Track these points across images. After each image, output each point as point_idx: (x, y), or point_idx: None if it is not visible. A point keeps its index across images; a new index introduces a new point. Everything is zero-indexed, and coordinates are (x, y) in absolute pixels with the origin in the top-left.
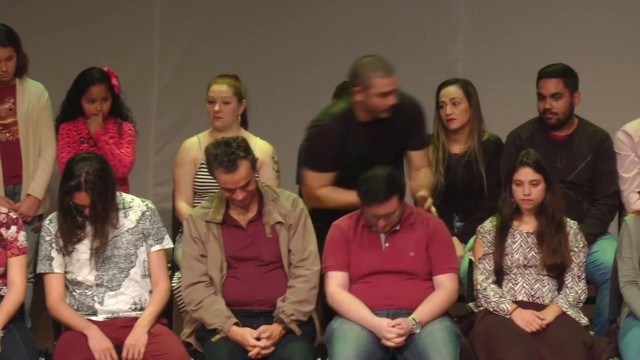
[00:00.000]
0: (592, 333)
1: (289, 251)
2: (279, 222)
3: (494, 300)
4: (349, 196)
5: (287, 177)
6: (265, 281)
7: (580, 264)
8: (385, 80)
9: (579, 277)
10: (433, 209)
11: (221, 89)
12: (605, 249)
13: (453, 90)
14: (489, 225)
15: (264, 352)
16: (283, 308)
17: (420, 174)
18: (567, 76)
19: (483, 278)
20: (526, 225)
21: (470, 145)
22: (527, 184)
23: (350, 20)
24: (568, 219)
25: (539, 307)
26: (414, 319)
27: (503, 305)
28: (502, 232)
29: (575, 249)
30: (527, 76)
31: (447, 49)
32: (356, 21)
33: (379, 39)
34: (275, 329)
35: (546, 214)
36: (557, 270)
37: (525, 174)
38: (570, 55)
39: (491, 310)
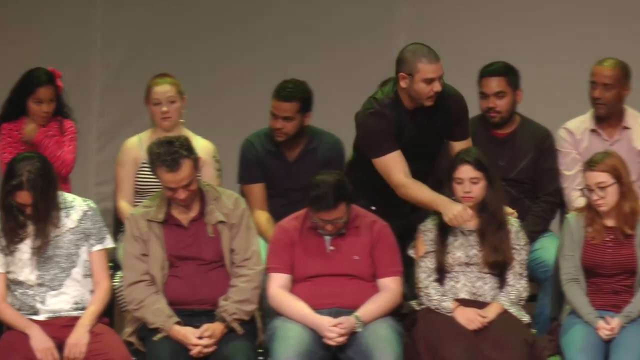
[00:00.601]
0: (534, 331)
1: (232, 250)
2: (220, 222)
3: (435, 298)
4: (426, 193)
5: (229, 176)
6: (206, 280)
7: (522, 262)
8: (431, 66)
9: (520, 274)
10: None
11: (165, 89)
12: (547, 247)
13: None
14: (430, 223)
15: (205, 350)
16: (225, 307)
17: None
18: (509, 74)
19: (425, 276)
20: (467, 223)
21: None
22: (468, 182)
23: (290, 19)
24: (510, 217)
25: (480, 305)
26: (356, 317)
27: (445, 304)
28: (443, 231)
29: (517, 247)
30: (469, 74)
31: (389, 47)
32: (297, 20)
33: (319, 37)
34: (217, 328)
35: (487, 211)
36: (498, 268)
37: (466, 171)
38: (511, 53)
39: (433, 308)
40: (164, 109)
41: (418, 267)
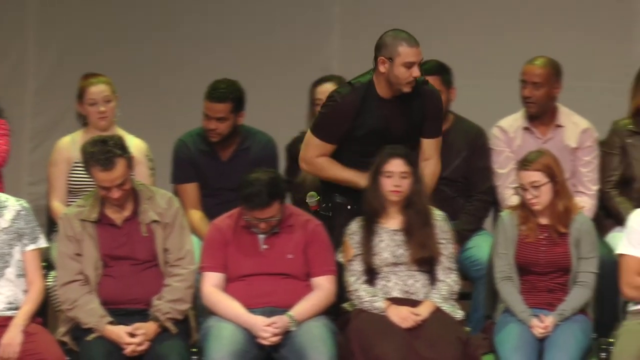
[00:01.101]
0: (468, 329)
1: (165, 250)
2: (154, 221)
3: (366, 300)
4: (345, 174)
5: (162, 176)
6: (140, 280)
7: (450, 256)
8: (411, 49)
9: (449, 269)
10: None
11: (100, 89)
12: (481, 245)
13: (330, 87)
14: (355, 225)
15: (139, 349)
16: (159, 306)
17: (426, 167)
18: (443, 73)
19: (354, 279)
20: (392, 222)
21: None
22: (397, 176)
23: (223, 18)
24: (435, 210)
25: (413, 303)
26: (290, 317)
27: (376, 304)
28: (368, 232)
29: (443, 241)
30: None
31: (322, 46)
32: (229, 18)
33: (253, 34)
34: (150, 327)
35: (413, 208)
36: (427, 265)
37: (397, 165)
38: (445, 51)
39: (365, 309)
40: (102, 108)
41: (347, 270)
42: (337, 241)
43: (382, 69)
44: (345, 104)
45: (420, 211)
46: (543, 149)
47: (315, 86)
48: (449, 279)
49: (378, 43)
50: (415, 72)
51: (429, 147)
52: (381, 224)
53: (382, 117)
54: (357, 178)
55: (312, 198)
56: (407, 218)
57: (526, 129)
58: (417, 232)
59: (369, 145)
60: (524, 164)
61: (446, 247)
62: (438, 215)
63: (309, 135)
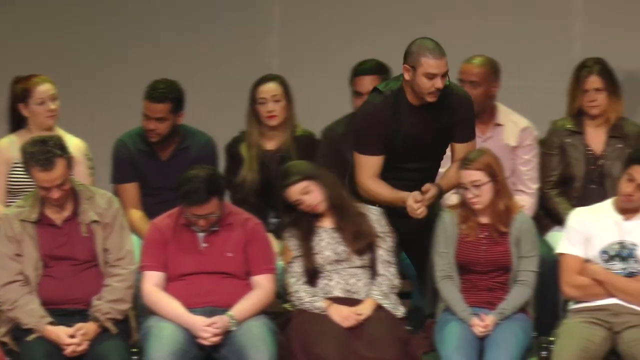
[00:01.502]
0: (408, 328)
1: (105, 250)
2: (94, 221)
3: (307, 300)
4: (386, 194)
5: (101, 176)
6: (80, 280)
7: (388, 249)
8: (433, 61)
9: (388, 262)
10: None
11: (47, 87)
12: None
13: (273, 87)
14: (293, 228)
15: (79, 349)
16: (99, 306)
17: (451, 169)
18: (382, 72)
19: (294, 281)
20: (327, 222)
21: (284, 142)
22: (298, 196)
23: (162, 17)
24: (369, 206)
25: (355, 302)
26: (230, 316)
27: (317, 304)
28: (307, 233)
29: (382, 234)
30: (343, 72)
31: (262, 45)
32: (168, 17)
33: (193, 33)
34: (90, 327)
35: (336, 208)
36: (368, 256)
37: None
38: (384, 50)
39: (306, 309)
40: (52, 106)
41: (287, 272)
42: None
43: (407, 76)
44: (378, 112)
45: (343, 207)
46: (484, 147)
47: (257, 86)
48: (388, 273)
49: (406, 50)
50: (438, 83)
51: (461, 151)
52: (318, 224)
53: (414, 124)
54: (401, 196)
55: None
56: (337, 217)
57: None
58: (347, 225)
59: (401, 152)
60: (465, 163)
61: (384, 240)
62: (373, 209)
63: (355, 156)
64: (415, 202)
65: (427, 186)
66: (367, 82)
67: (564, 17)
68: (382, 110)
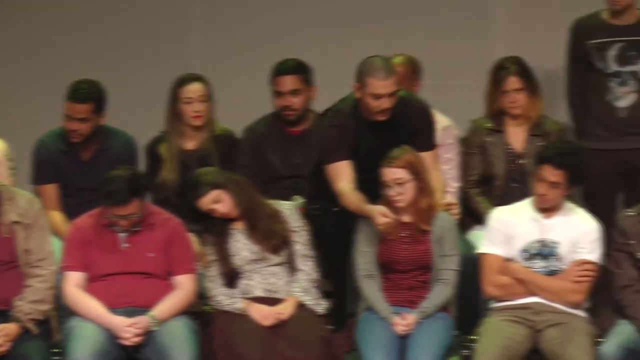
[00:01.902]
0: (330, 327)
1: (27, 251)
2: (15, 222)
3: (226, 303)
4: (353, 206)
5: (21, 177)
6: (1, 281)
7: (305, 243)
8: (379, 82)
9: (305, 256)
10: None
11: None
12: None
13: (199, 87)
14: (209, 232)
15: (1, 349)
16: (20, 307)
17: (432, 180)
18: (303, 71)
19: (213, 285)
20: (241, 223)
21: (204, 141)
22: (210, 204)
23: (82, 15)
24: (283, 202)
25: (276, 301)
26: (152, 316)
27: (237, 305)
28: (221, 236)
29: (297, 229)
30: (264, 72)
31: (182, 44)
32: (88, 16)
33: (113, 32)
34: (12, 328)
35: (248, 211)
36: (285, 252)
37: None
38: (308, 51)
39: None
40: None
41: (205, 277)
42: (327, 241)
43: (357, 94)
44: (341, 125)
45: (251, 210)
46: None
47: (181, 86)
48: (306, 267)
49: (357, 68)
50: (385, 103)
51: (427, 161)
52: (232, 226)
53: (370, 139)
54: (368, 210)
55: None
56: (248, 219)
57: None
58: (260, 226)
59: (362, 164)
60: (388, 160)
61: (300, 235)
62: (287, 205)
63: (327, 170)
64: (383, 217)
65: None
66: (288, 82)
67: (485, 17)
68: (346, 122)
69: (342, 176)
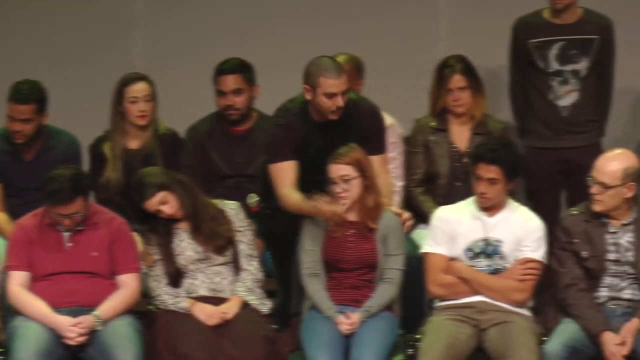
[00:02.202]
0: (275, 326)
1: None
2: None
3: (170, 302)
4: (301, 205)
5: None
6: None
7: (249, 243)
8: (332, 81)
9: (250, 255)
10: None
11: None
12: None
13: (145, 87)
14: (153, 232)
15: None
16: None
17: (379, 184)
18: (245, 71)
19: (157, 284)
20: (183, 224)
21: (148, 141)
22: (157, 206)
23: (22, 15)
24: (227, 201)
25: (221, 300)
26: (96, 316)
27: (181, 305)
28: (166, 236)
29: (241, 229)
30: (206, 70)
31: (125, 44)
32: (30, 15)
33: (54, 32)
34: None
35: (193, 212)
36: (230, 252)
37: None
38: (249, 49)
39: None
40: None
41: (149, 277)
42: (278, 239)
43: (307, 96)
44: (288, 125)
45: (194, 213)
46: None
47: (126, 85)
48: (251, 267)
49: (304, 70)
50: (339, 102)
51: (376, 164)
52: (176, 226)
53: (322, 140)
54: (314, 206)
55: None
56: (192, 220)
57: None
58: (204, 227)
59: (311, 165)
60: (335, 157)
61: (245, 235)
62: (231, 204)
63: (270, 170)
64: (329, 204)
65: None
66: (230, 81)
67: (428, 16)
68: (293, 123)
69: (285, 178)
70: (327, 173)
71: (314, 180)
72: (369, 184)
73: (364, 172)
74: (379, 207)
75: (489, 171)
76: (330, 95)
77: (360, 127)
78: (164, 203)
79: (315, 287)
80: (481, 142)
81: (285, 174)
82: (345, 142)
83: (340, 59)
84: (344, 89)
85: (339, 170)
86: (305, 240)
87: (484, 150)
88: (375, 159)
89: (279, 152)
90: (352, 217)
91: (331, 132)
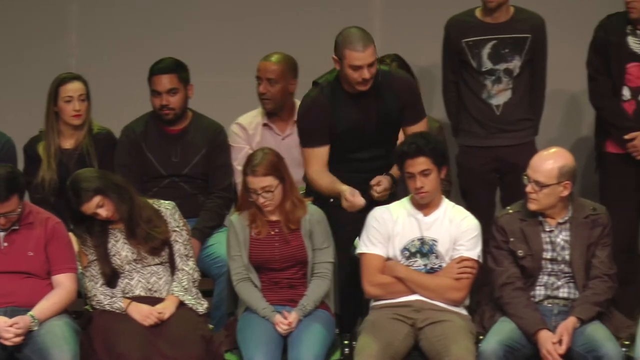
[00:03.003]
0: (211, 326)
1: None
2: None
3: (106, 303)
4: (324, 185)
5: None
6: None
7: (185, 242)
8: (356, 53)
9: (186, 255)
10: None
11: None
12: (221, 242)
13: (79, 86)
14: (90, 233)
15: None
16: None
17: None
18: (180, 70)
19: (92, 285)
20: (119, 225)
21: (82, 140)
22: (94, 209)
23: None
24: (162, 201)
25: (157, 300)
26: (32, 316)
27: (116, 305)
28: (101, 236)
29: (177, 229)
30: (141, 70)
31: (59, 43)
32: None
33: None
34: None
35: (128, 214)
36: (166, 251)
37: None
38: (182, 48)
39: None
40: None
41: (85, 277)
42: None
43: (337, 66)
44: (315, 104)
45: (136, 212)
46: (265, 148)
47: (61, 84)
48: (187, 267)
49: (335, 40)
50: (365, 74)
51: (417, 130)
52: (112, 226)
53: (355, 113)
54: (339, 188)
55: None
56: (127, 222)
57: (265, 125)
58: (137, 230)
59: (348, 141)
60: (252, 170)
61: (180, 234)
62: (167, 205)
63: (302, 152)
64: (352, 197)
65: (376, 179)
66: (165, 81)
67: (362, 15)
68: (319, 101)
69: (316, 162)
70: (366, 148)
71: (354, 159)
72: (287, 187)
73: (283, 177)
74: (299, 206)
75: (418, 164)
76: (356, 68)
77: (396, 98)
78: (101, 206)
79: (248, 292)
80: (399, 144)
81: (314, 159)
82: (382, 113)
83: (274, 58)
84: (370, 62)
85: (260, 182)
86: (230, 247)
87: (405, 148)
88: (417, 127)
89: (311, 138)
90: (273, 217)
91: (364, 102)
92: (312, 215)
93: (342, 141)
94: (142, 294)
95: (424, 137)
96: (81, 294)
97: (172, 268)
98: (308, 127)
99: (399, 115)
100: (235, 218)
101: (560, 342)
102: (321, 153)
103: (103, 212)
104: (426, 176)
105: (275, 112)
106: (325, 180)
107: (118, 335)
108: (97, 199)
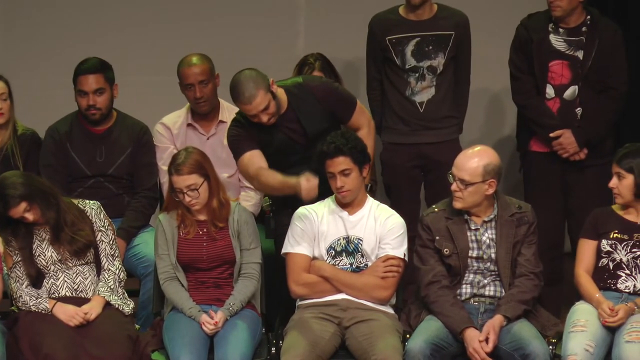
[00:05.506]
0: (137, 326)
1: None
2: None
3: (31, 304)
4: (275, 183)
5: None
6: None
7: (111, 242)
8: (246, 107)
9: (112, 255)
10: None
11: None
12: (147, 242)
13: (1, 86)
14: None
15: None
16: None
17: (364, 137)
18: (106, 70)
19: (17, 285)
20: (42, 226)
21: (6, 141)
22: (21, 213)
23: None
24: (87, 201)
25: (83, 300)
26: None
27: (42, 305)
28: (26, 237)
29: (102, 229)
30: (66, 70)
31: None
32: None
33: None
34: None
35: (52, 217)
36: (91, 252)
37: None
38: (107, 47)
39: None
40: None
41: (10, 278)
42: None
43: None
44: (245, 124)
45: (61, 216)
46: (190, 147)
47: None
48: (113, 267)
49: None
50: (264, 117)
51: (355, 122)
52: (36, 228)
53: (283, 133)
54: (291, 182)
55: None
56: (52, 226)
57: (189, 125)
58: (62, 232)
59: (284, 159)
60: (177, 169)
61: (106, 234)
62: (92, 204)
63: (238, 165)
64: (307, 182)
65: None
66: (92, 81)
67: (287, 13)
68: (246, 123)
69: (255, 161)
70: (302, 151)
71: (289, 162)
72: (212, 185)
73: (207, 175)
74: (225, 205)
75: (337, 164)
76: (253, 116)
77: (319, 107)
78: (28, 211)
79: (174, 291)
80: (319, 144)
81: (255, 160)
82: (308, 129)
83: (196, 60)
84: (261, 108)
85: (185, 181)
86: (157, 246)
87: (324, 148)
88: (353, 120)
89: (240, 146)
90: (201, 217)
91: (286, 126)
92: (240, 216)
93: (276, 161)
94: (68, 294)
95: (344, 137)
96: (7, 295)
97: (98, 268)
98: (238, 139)
99: (332, 120)
100: (163, 217)
101: (486, 340)
102: (257, 153)
103: (30, 216)
104: (347, 175)
105: (209, 112)
106: (274, 179)
107: (44, 335)
108: (23, 205)
